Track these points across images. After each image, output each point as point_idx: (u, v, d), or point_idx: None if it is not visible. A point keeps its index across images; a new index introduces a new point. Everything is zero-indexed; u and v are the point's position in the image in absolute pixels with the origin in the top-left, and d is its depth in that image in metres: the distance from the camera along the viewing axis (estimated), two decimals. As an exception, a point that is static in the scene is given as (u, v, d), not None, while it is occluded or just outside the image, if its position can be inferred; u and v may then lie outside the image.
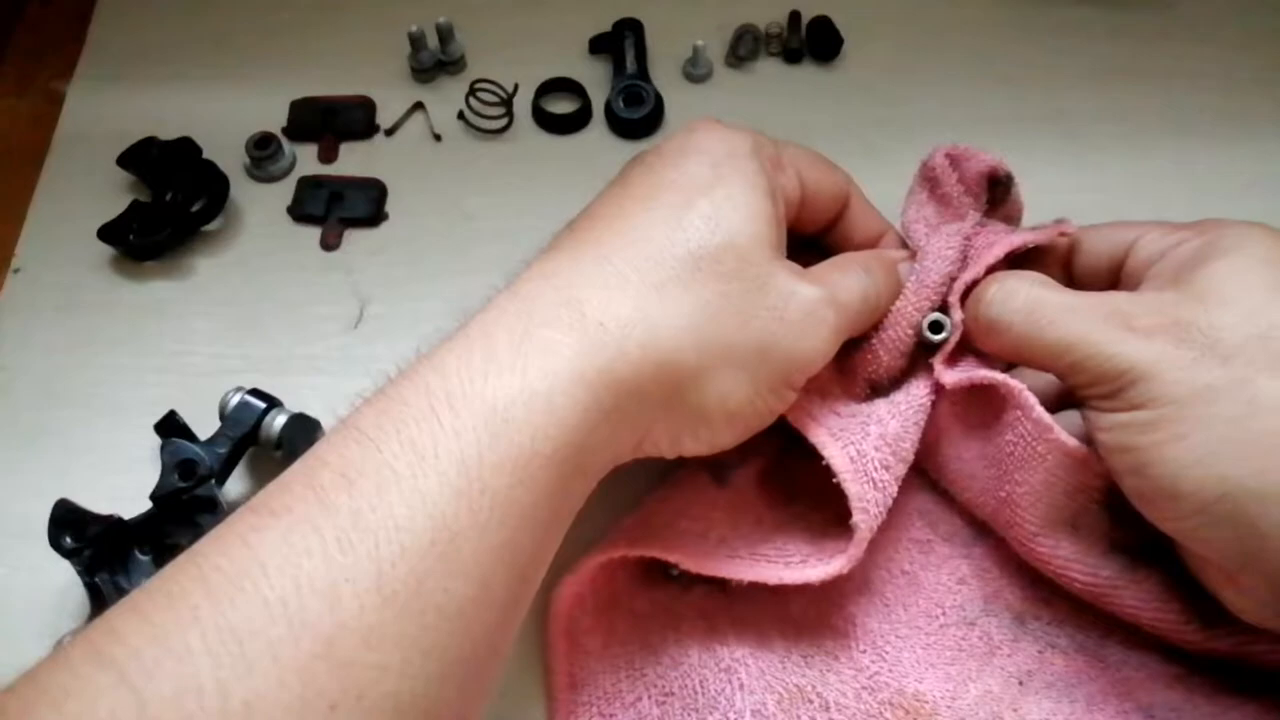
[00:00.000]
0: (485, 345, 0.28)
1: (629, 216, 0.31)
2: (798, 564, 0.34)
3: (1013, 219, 0.38)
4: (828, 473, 0.33)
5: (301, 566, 0.23)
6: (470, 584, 0.25)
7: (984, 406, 0.35)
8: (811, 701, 0.33)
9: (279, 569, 0.23)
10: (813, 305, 0.32)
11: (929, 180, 0.37)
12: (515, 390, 0.27)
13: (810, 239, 0.38)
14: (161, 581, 0.24)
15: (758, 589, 0.34)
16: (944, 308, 0.35)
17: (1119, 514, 0.33)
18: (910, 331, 0.35)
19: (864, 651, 0.34)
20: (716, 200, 0.31)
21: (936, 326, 0.35)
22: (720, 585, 0.35)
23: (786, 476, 0.38)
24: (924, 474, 0.38)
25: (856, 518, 0.32)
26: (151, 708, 0.21)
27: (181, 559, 0.24)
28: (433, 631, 0.24)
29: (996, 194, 0.37)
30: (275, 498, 0.25)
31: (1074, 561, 0.33)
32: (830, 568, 0.33)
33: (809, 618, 0.35)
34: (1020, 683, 0.34)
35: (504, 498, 0.26)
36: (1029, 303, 0.32)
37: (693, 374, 0.30)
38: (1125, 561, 0.33)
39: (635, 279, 0.30)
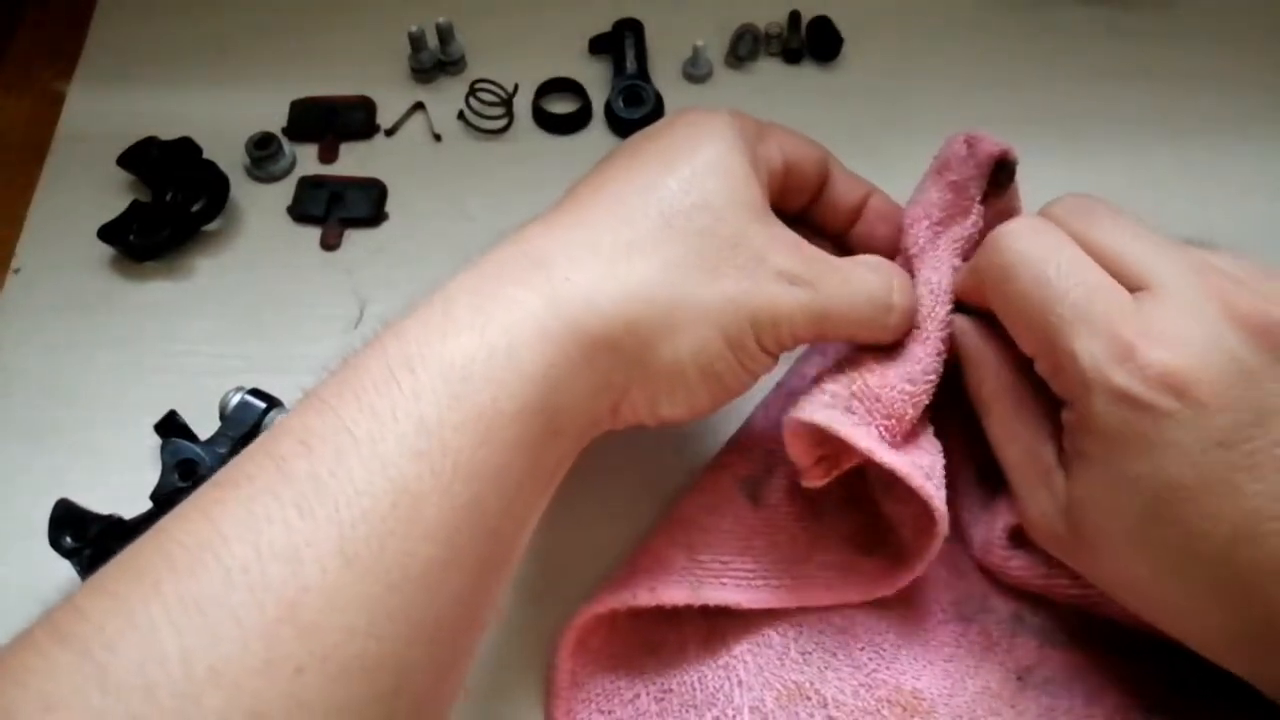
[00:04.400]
0: (445, 307, 0.28)
1: (607, 185, 0.31)
2: (855, 580, 0.35)
3: (1002, 218, 0.38)
4: (851, 480, 0.33)
5: (261, 533, 0.23)
6: (436, 545, 0.25)
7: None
8: (810, 699, 0.33)
9: (239, 537, 0.23)
10: (784, 272, 0.31)
11: (943, 166, 0.36)
12: (474, 348, 0.27)
13: (799, 217, 0.37)
14: (125, 558, 0.24)
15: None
16: None
17: None
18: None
19: (862, 649, 0.34)
20: (695, 164, 0.31)
21: None
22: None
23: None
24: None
25: (940, 525, 0.32)
26: (114, 677, 0.21)
27: (146, 536, 0.24)
28: (398, 593, 0.24)
29: (1000, 178, 0.36)
30: (237, 469, 0.25)
31: (1054, 578, 0.34)
32: (902, 580, 0.34)
33: (808, 615, 0.35)
34: (1019, 678, 0.34)
35: (468, 458, 0.26)
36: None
37: (664, 328, 0.30)
38: None
39: (608, 239, 0.30)
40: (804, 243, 0.32)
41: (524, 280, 0.28)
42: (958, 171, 0.35)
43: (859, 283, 0.32)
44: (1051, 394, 0.31)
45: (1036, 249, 0.30)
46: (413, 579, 0.24)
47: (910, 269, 0.35)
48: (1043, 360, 0.30)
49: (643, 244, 0.30)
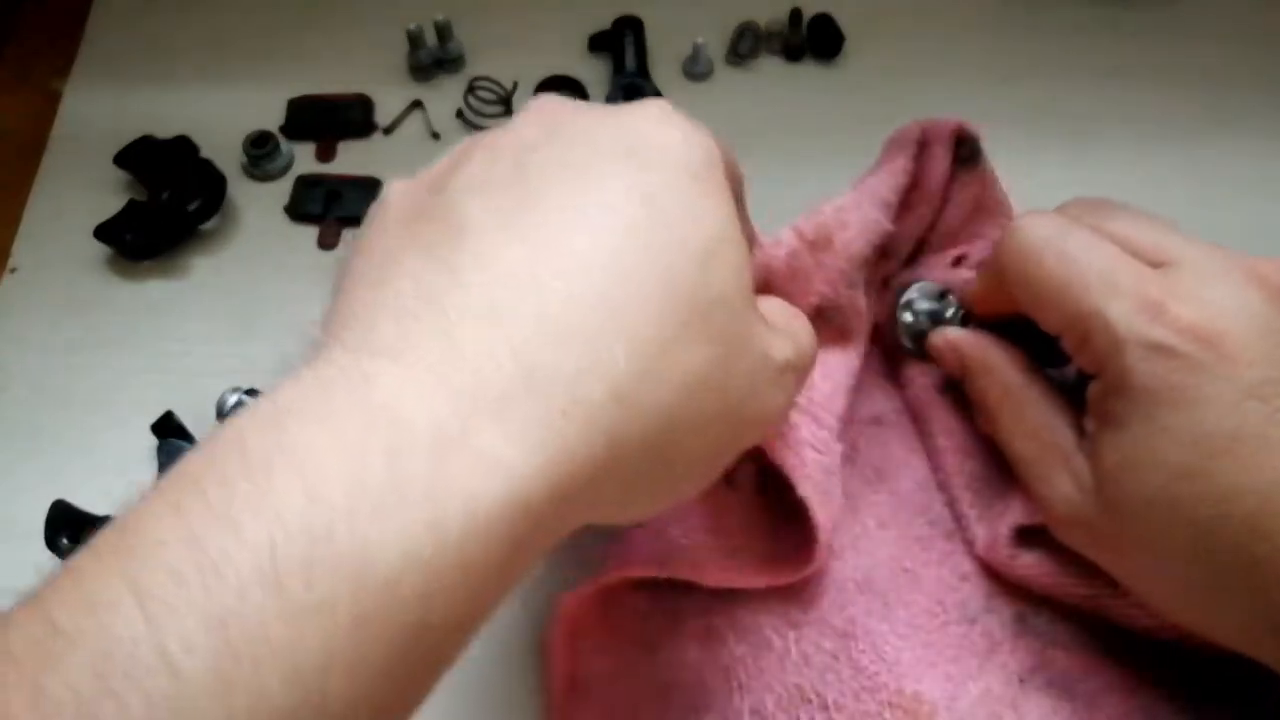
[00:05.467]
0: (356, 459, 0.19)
1: (583, 233, 0.23)
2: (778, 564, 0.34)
3: (987, 208, 0.39)
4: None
5: None
6: None
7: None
8: (811, 701, 0.33)
9: None
10: (784, 366, 0.27)
11: (891, 147, 0.38)
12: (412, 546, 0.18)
13: None
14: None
15: (759, 590, 0.35)
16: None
17: None
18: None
19: (863, 651, 0.34)
20: (707, 236, 0.24)
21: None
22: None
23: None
24: (923, 469, 0.38)
25: (818, 520, 0.33)
26: None
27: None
28: None
29: (963, 154, 0.38)
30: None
31: (1059, 577, 0.33)
32: (797, 574, 0.34)
33: (809, 618, 0.35)
34: (1021, 680, 0.33)
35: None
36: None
37: (661, 461, 0.23)
38: None
39: (622, 335, 0.22)
40: (783, 306, 0.29)
41: (502, 408, 0.20)
42: (905, 149, 0.37)
43: (806, 336, 0.29)
44: (1061, 389, 0.32)
45: (1057, 230, 0.31)
46: None
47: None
48: (1070, 332, 0.30)
49: (656, 355, 0.22)
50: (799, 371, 0.28)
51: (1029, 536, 0.34)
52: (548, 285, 0.22)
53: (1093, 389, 0.30)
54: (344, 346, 0.21)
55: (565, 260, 0.22)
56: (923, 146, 0.37)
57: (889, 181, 0.36)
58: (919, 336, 0.37)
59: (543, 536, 0.21)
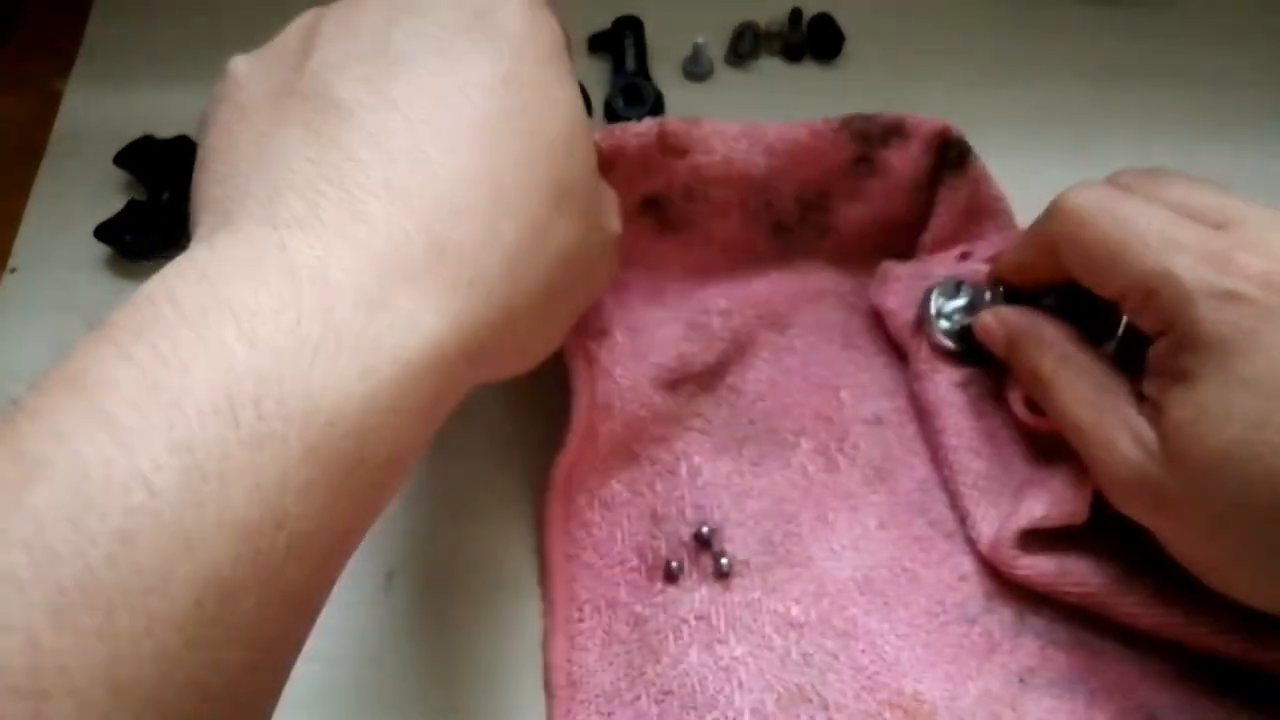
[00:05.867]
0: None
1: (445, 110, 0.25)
2: None
3: (984, 208, 0.39)
4: None
5: None
6: (250, 649, 0.19)
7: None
8: (811, 701, 0.33)
9: None
10: (617, 239, 0.31)
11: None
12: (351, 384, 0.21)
13: None
14: None
15: (759, 589, 0.35)
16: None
17: (1105, 522, 0.33)
18: None
19: (863, 651, 0.34)
20: (565, 120, 0.27)
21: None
22: (723, 587, 0.35)
23: None
24: (923, 469, 0.38)
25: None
26: None
27: None
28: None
29: (948, 156, 0.39)
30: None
31: (1061, 577, 0.34)
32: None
33: (809, 618, 0.35)
34: (1021, 680, 0.33)
35: (305, 531, 0.20)
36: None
37: (541, 321, 0.28)
38: (1117, 570, 0.33)
39: (509, 213, 0.25)
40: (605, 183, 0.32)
41: (422, 272, 0.23)
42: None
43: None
44: (1112, 357, 0.32)
45: (1109, 195, 0.31)
46: (214, 698, 0.18)
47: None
48: (1132, 293, 0.30)
49: (542, 228, 0.26)
50: (618, 241, 0.31)
51: (1033, 539, 0.34)
52: (437, 162, 0.24)
53: (1157, 349, 0.30)
54: (253, 219, 0.23)
55: (447, 138, 0.24)
56: (901, 137, 0.39)
57: (787, 133, 0.38)
58: (961, 334, 0.37)
59: (457, 388, 0.24)
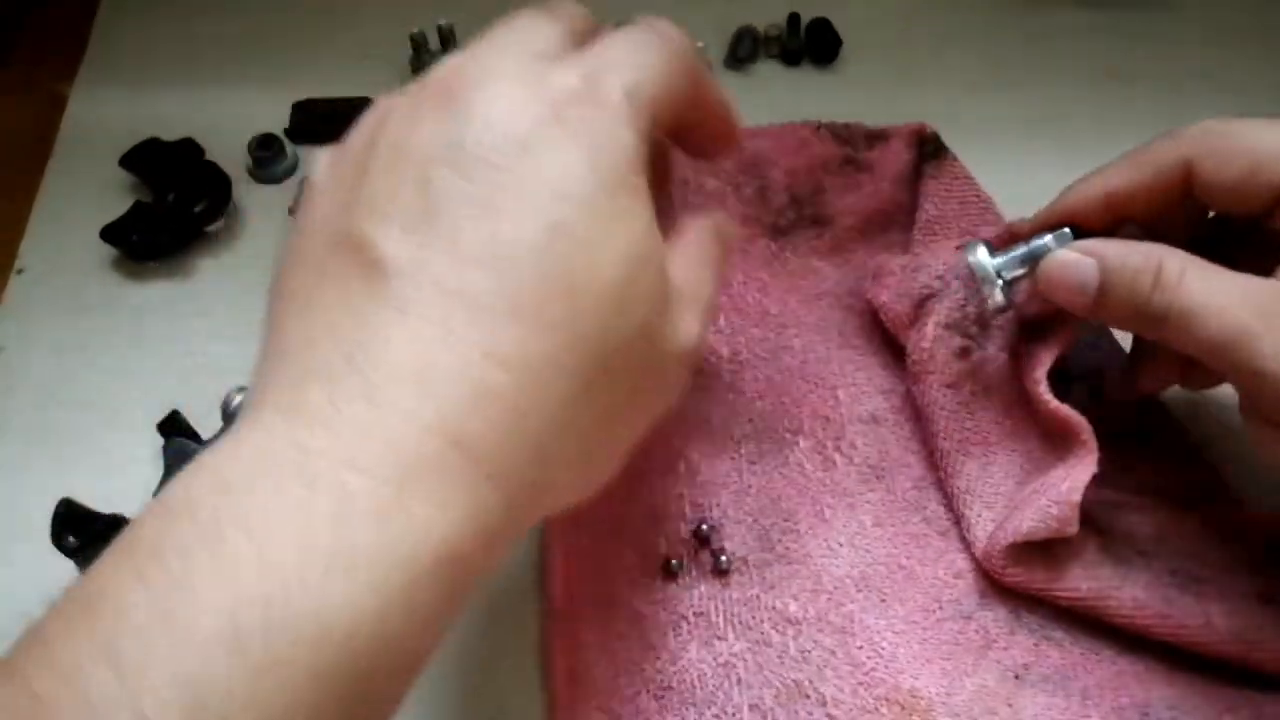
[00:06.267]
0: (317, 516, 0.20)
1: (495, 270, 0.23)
2: None
3: (971, 204, 0.42)
4: None
5: None
6: None
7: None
8: (809, 697, 0.33)
9: None
10: (694, 350, 0.27)
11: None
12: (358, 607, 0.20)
13: None
14: None
15: (757, 585, 0.35)
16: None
17: (1101, 526, 0.34)
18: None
19: (860, 647, 0.34)
20: (622, 260, 0.24)
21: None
22: (722, 584, 0.35)
23: None
24: (919, 467, 0.38)
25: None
26: None
27: None
28: None
29: (925, 150, 0.42)
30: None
31: (1051, 584, 0.34)
32: None
33: (807, 615, 0.35)
34: (1016, 676, 0.34)
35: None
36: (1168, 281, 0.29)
37: (566, 489, 0.26)
38: (1107, 574, 0.33)
39: (537, 394, 0.23)
40: (679, 282, 0.27)
41: (433, 466, 0.21)
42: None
43: (709, 296, 0.29)
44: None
45: (1233, 118, 0.30)
46: None
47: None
48: None
49: (573, 401, 0.23)
50: (703, 340, 0.28)
51: (1022, 547, 0.34)
52: (462, 339, 0.22)
53: None
54: (276, 409, 0.22)
55: (475, 309, 0.22)
56: (882, 140, 0.43)
57: (767, 126, 0.44)
58: (1009, 280, 0.34)
59: (476, 574, 0.23)
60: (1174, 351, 0.31)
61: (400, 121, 0.25)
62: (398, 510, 0.21)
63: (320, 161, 0.27)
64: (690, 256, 0.28)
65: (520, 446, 0.22)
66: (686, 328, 0.26)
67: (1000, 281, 0.33)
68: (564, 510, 0.26)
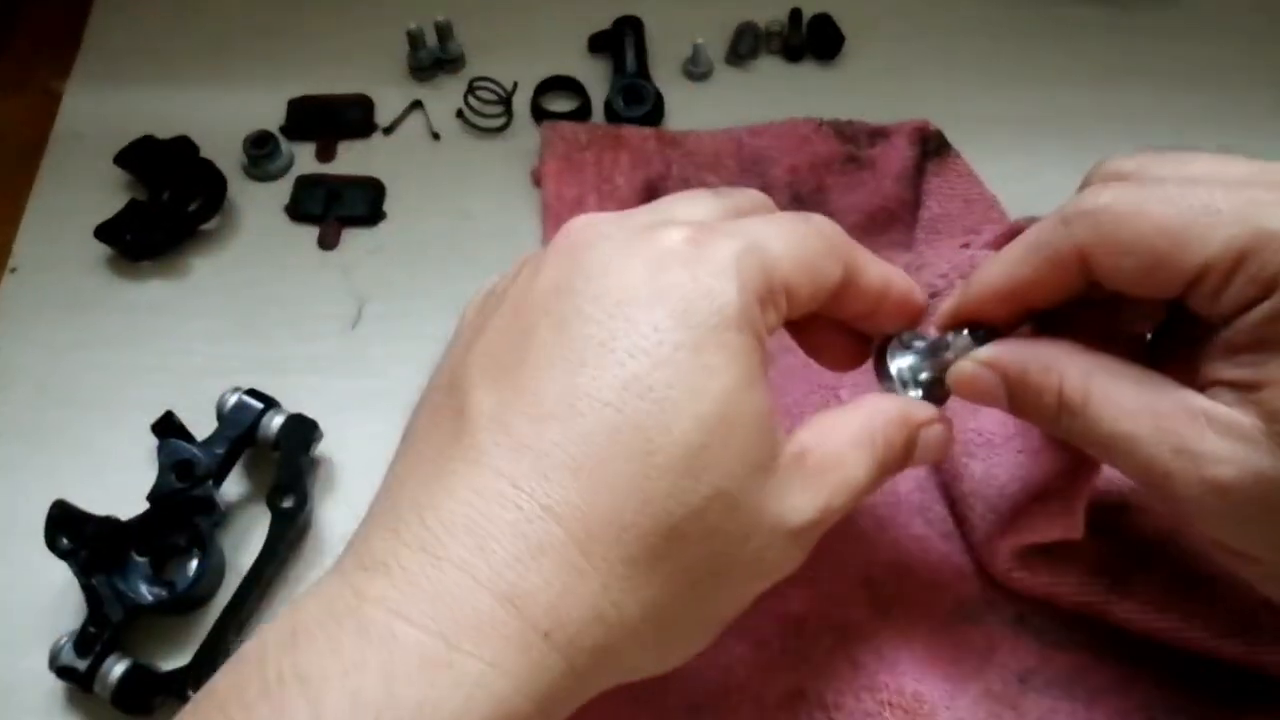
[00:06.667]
0: (370, 679, 0.20)
1: (565, 428, 0.23)
2: None
3: (975, 202, 0.41)
4: None
5: None
6: None
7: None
8: (810, 700, 0.33)
9: None
10: (801, 529, 0.25)
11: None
12: None
13: None
14: None
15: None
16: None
17: (1105, 528, 0.33)
18: None
19: (863, 651, 0.34)
20: (702, 420, 0.23)
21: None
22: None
23: None
24: (922, 470, 0.38)
25: None
26: None
27: None
28: None
29: (928, 147, 0.43)
30: None
31: (1056, 587, 0.34)
32: None
33: (809, 617, 0.35)
34: (1020, 680, 0.33)
35: None
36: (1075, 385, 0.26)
37: (640, 657, 0.24)
38: (1113, 576, 0.33)
39: (595, 552, 0.22)
40: (803, 453, 0.26)
41: (483, 628, 0.21)
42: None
43: (854, 478, 0.26)
44: (1162, 352, 0.27)
45: (1136, 187, 0.26)
46: None
47: None
48: (1212, 273, 0.24)
49: (639, 564, 0.22)
50: (824, 521, 0.26)
51: (1027, 551, 0.34)
52: (525, 494, 0.22)
53: (1250, 320, 0.24)
54: (353, 554, 0.23)
55: (544, 465, 0.22)
56: (884, 137, 0.44)
57: (768, 123, 0.45)
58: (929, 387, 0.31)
59: None
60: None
61: (527, 274, 0.26)
62: (445, 665, 0.21)
63: (471, 303, 0.27)
64: (843, 431, 0.27)
65: (578, 606, 0.22)
66: (795, 503, 0.25)
67: (918, 390, 0.30)
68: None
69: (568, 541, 0.22)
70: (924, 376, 0.30)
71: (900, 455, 0.28)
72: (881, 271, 0.29)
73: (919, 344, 0.30)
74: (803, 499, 0.25)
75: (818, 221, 0.27)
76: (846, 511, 0.27)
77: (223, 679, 0.22)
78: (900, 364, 0.30)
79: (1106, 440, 0.26)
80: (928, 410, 0.29)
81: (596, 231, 0.25)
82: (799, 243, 0.26)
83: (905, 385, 0.30)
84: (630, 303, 0.23)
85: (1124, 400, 0.25)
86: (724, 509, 0.23)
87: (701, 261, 0.24)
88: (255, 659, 0.21)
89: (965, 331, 0.29)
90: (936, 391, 0.30)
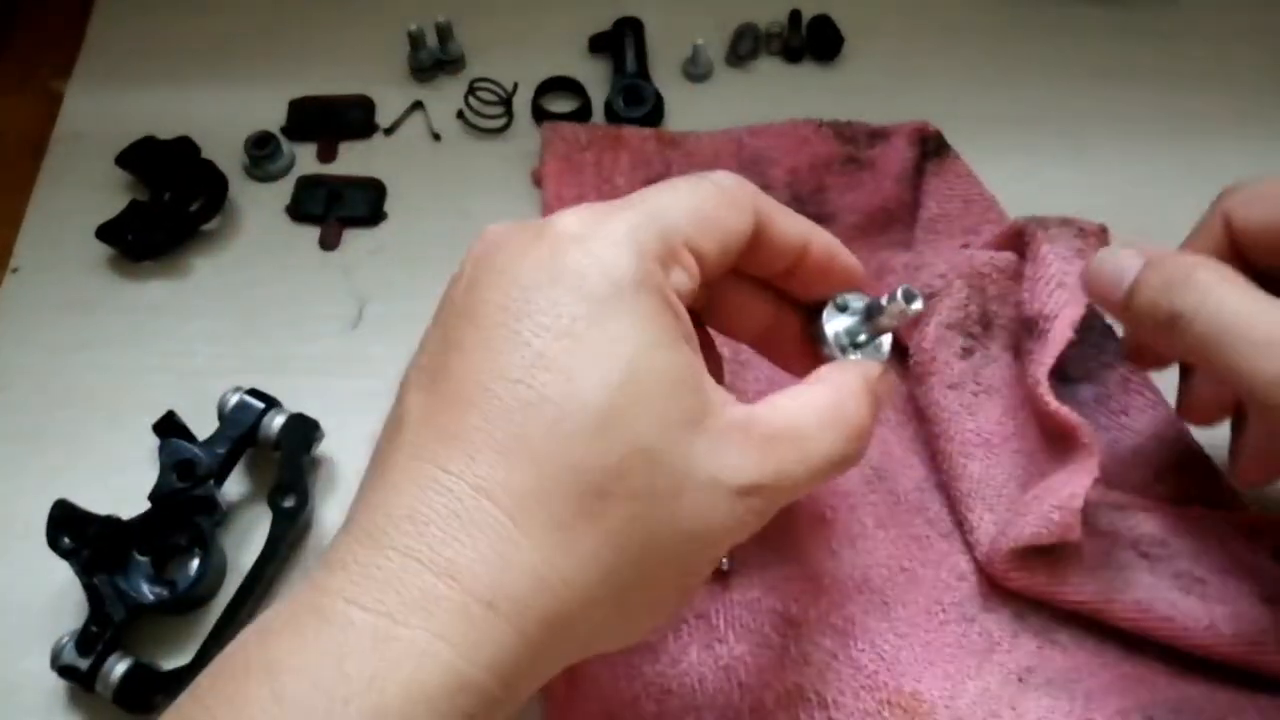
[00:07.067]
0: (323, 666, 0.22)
1: (487, 414, 0.24)
2: None
3: (975, 203, 0.42)
4: None
5: None
6: None
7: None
8: (810, 700, 0.33)
9: None
10: (741, 489, 0.25)
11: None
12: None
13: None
14: None
15: (758, 587, 0.35)
16: None
17: (1104, 528, 0.33)
18: None
19: (863, 650, 0.34)
20: (607, 383, 0.24)
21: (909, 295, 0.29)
22: (722, 585, 0.35)
23: None
24: (922, 468, 0.38)
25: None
26: None
27: None
28: None
29: (927, 148, 0.43)
30: None
31: (1053, 587, 0.34)
32: None
33: (808, 617, 0.35)
34: (1019, 679, 0.33)
35: None
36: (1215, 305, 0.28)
37: (600, 626, 0.25)
38: (1113, 574, 0.33)
39: (526, 521, 0.23)
40: (751, 420, 0.26)
41: (426, 604, 0.22)
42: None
43: (817, 451, 0.27)
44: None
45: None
46: None
47: None
48: None
49: (577, 527, 0.23)
50: (779, 488, 0.26)
51: (1025, 551, 0.34)
52: (457, 478, 0.23)
53: None
54: (322, 557, 0.24)
55: (470, 450, 0.23)
56: (884, 138, 0.44)
57: (767, 124, 0.46)
58: (864, 344, 0.31)
59: (496, 708, 0.23)
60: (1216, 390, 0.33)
61: (450, 286, 0.27)
62: (393, 640, 0.22)
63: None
64: (808, 407, 0.27)
65: (518, 575, 0.23)
66: (732, 461, 0.25)
67: (856, 353, 0.30)
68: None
69: (499, 515, 0.23)
70: (862, 339, 0.30)
71: (870, 422, 0.28)
72: (799, 225, 0.29)
73: (856, 304, 0.30)
74: (743, 460, 0.25)
75: (717, 177, 0.28)
76: (818, 484, 0.28)
77: (204, 677, 0.23)
78: (836, 327, 0.30)
79: (1221, 325, 0.28)
80: (876, 367, 0.30)
81: (505, 232, 0.27)
82: (697, 200, 0.27)
83: (844, 350, 0.30)
84: (532, 286, 0.25)
85: (1249, 294, 0.28)
86: (644, 465, 0.24)
87: (596, 237, 0.25)
88: (230, 655, 0.23)
89: (899, 292, 0.28)
90: (874, 355, 0.30)
